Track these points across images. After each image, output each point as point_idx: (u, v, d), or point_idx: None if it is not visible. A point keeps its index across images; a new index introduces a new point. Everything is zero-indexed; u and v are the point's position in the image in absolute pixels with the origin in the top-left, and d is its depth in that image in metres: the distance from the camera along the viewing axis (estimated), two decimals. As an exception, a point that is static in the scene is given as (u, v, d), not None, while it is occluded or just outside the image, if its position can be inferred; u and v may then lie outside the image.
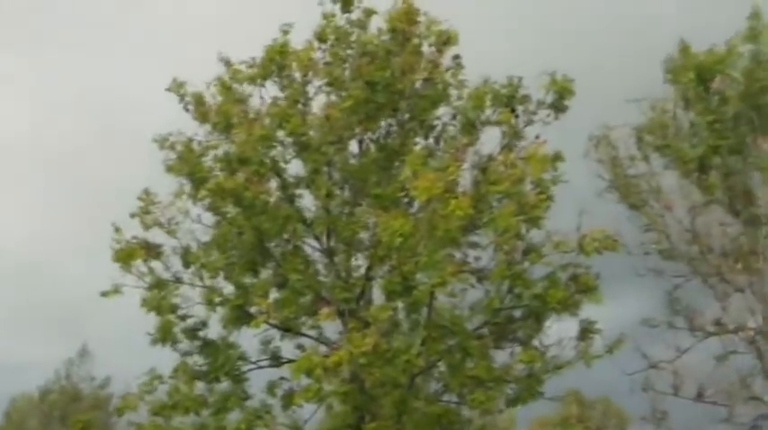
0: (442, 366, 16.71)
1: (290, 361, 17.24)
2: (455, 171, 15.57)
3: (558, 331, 16.63)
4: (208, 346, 17.40)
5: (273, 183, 17.40)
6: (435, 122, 17.89)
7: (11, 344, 41.00)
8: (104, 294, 17.25)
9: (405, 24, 17.39)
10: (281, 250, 17.33)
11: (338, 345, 15.93)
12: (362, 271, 17.26)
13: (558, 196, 16.29)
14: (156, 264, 17.55)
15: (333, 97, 17.47)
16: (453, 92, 17.77)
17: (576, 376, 17.04)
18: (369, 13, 17.88)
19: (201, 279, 17.47)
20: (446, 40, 17.51)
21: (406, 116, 17.70)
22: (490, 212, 15.99)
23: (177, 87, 17.97)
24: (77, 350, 41.63)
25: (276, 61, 17.55)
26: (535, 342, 16.72)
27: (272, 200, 17.19)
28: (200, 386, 17.19)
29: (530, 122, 17.23)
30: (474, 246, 17.04)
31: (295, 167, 17.55)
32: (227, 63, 18.01)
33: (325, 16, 17.89)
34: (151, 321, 17.38)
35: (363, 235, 17.21)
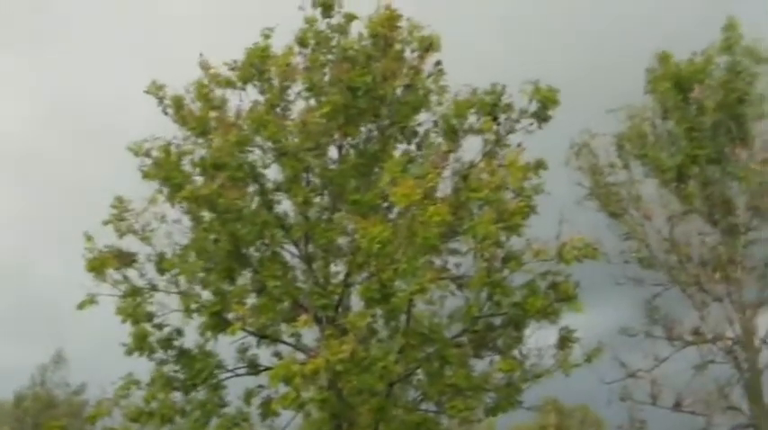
0: (420, 374, 16.62)
1: (267, 368, 17.05)
2: (434, 178, 15.51)
3: (538, 340, 16.61)
4: (184, 355, 17.19)
5: (252, 188, 17.24)
6: (416, 128, 17.80)
7: (-15, 349, 40.55)
8: (80, 306, 17.02)
9: (386, 30, 17.29)
10: (259, 256, 17.15)
11: (315, 353, 15.79)
12: (341, 277, 17.10)
13: (538, 204, 16.27)
14: (130, 272, 17.32)
15: (312, 102, 17.32)
16: (434, 98, 17.67)
17: (554, 385, 17.03)
18: (350, 18, 17.76)
19: (177, 286, 17.24)
20: (428, 45, 17.43)
21: (387, 122, 17.59)
22: (470, 219, 15.92)
23: (156, 90, 17.77)
24: (52, 356, 41.23)
25: (256, 65, 17.40)
26: (515, 351, 16.63)
27: (249, 205, 17.03)
28: (176, 394, 16.97)
29: (512, 130, 17.13)
30: (454, 252, 16.94)
31: (274, 172, 17.43)
32: (206, 67, 17.82)
33: (306, 21, 17.75)
34: (127, 328, 17.18)
35: (342, 241, 17.08)
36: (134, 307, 16.96)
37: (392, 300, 15.53)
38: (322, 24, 17.80)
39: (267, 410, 16.98)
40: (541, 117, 17.04)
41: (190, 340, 17.36)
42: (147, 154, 17.55)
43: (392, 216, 16.56)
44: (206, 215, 16.90)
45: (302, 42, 17.66)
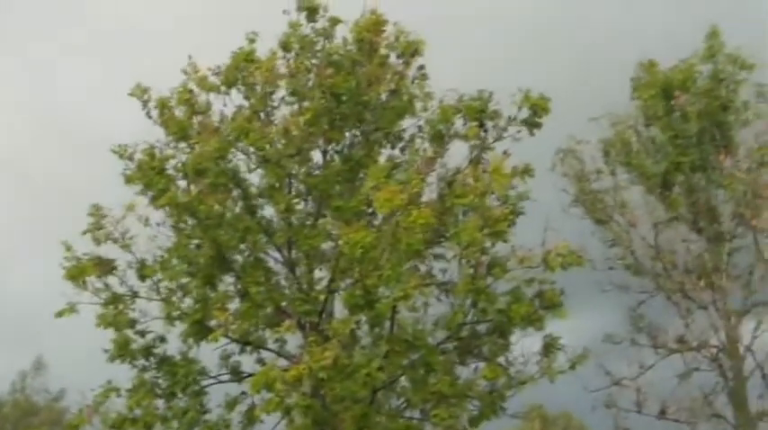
0: (404, 381, 16.51)
1: (250, 375, 16.90)
2: (419, 183, 15.43)
3: (523, 347, 16.55)
4: (166, 362, 17.04)
5: (235, 193, 17.10)
6: (401, 134, 17.71)
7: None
8: (59, 314, 16.85)
9: (372, 35, 17.22)
10: (242, 262, 17.03)
11: (298, 359, 15.68)
12: (325, 283, 16.99)
13: (524, 210, 16.20)
14: (111, 280, 17.16)
15: (296, 107, 17.21)
16: (419, 104, 17.60)
17: (539, 393, 16.98)
18: (335, 22, 17.66)
19: (159, 292, 17.09)
20: (413, 51, 17.36)
21: (372, 127, 17.51)
22: (455, 225, 15.85)
23: (141, 93, 17.61)
24: (32, 362, 40.91)
25: (241, 69, 17.27)
26: (501, 358, 16.56)
27: (231, 211, 16.91)
28: (158, 402, 16.80)
29: (499, 138, 17.06)
30: (439, 258, 16.85)
31: (258, 177, 17.31)
32: (192, 70, 17.68)
33: (291, 25, 17.64)
34: (109, 334, 17.01)
35: (326, 247, 16.96)
36: (115, 315, 16.77)
37: (376, 307, 15.44)
38: (307, 29, 17.71)
39: (250, 417, 16.84)
40: (531, 124, 16.98)
41: (172, 347, 17.25)
42: (131, 157, 17.41)
43: (377, 222, 16.46)
44: (188, 221, 16.74)
45: (286, 47, 17.55)
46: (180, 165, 17.06)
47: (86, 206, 17.34)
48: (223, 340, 16.72)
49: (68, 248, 17.04)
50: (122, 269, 17.23)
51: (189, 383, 16.69)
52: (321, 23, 17.73)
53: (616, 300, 23.22)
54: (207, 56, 17.70)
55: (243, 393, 17.05)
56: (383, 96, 17.39)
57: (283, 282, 17.12)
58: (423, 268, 16.63)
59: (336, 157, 17.52)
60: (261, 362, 17.16)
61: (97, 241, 17.09)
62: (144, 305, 17.24)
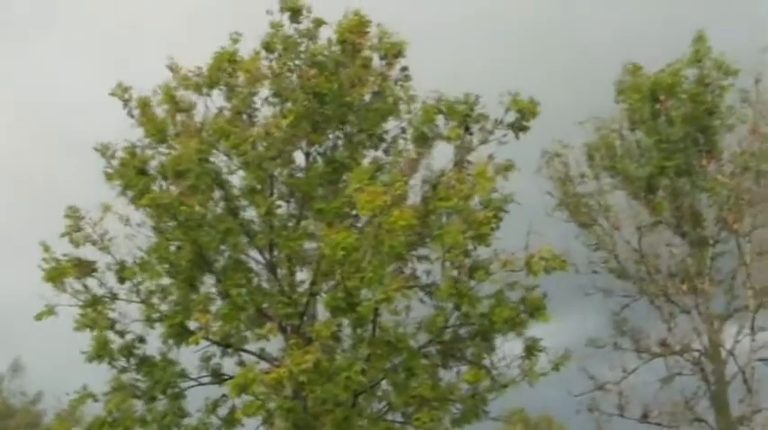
0: (386, 384, 16.43)
1: (231, 378, 16.76)
2: (402, 185, 15.37)
3: (506, 350, 16.53)
4: (146, 363, 16.89)
5: (217, 194, 16.97)
6: (385, 136, 17.63)
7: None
8: (38, 317, 16.67)
9: (355, 36, 17.13)
10: (223, 263, 16.90)
11: (280, 362, 15.59)
12: (307, 286, 16.88)
13: (509, 212, 16.15)
14: (90, 281, 16.98)
15: (278, 109, 17.10)
16: (403, 107, 17.52)
17: (522, 396, 16.96)
18: (318, 23, 17.56)
19: (139, 294, 16.95)
20: (397, 52, 17.29)
21: (355, 129, 17.42)
22: (439, 228, 15.79)
23: (122, 92, 17.46)
24: (9, 364, 40.54)
25: (224, 70, 17.14)
26: (485, 361, 16.51)
27: (212, 212, 16.79)
28: (137, 404, 16.65)
29: (485, 141, 17.00)
30: (423, 259, 16.77)
31: (239, 178, 17.15)
32: (175, 69, 17.54)
33: (274, 26, 17.52)
34: (87, 337, 16.86)
35: (308, 249, 16.85)
36: (94, 316, 16.61)
37: (358, 309, 15.35)
38: (290, 29, 17.59)
39: (231, 420, 16.72)
40: (518, 127, 16.94)
41: (152, 347, 17.10)
42: (113, 155, 17.26)
43: (360, 224, 16.38)
44: (168, 222, 16.60)
45: (269, 47, 17.43)
46: (159, 165, 16.90)
47: (66, 206, 17.16)
48: (204, 342, 16.59)
49: (47, 250, 16.87)
50: (102, 271, 17.07)
51: (168, 385, 16.53)
52: (304, 24, 17.62)
53: (599, 303, 23.28)
54: (190, 56, 17.60)
55: (223, 396, 16.90)
56: (366, 98, 17.30)
57: (265, 285, 17.00)
58: (406, 270, 16.53)
59: (319, 159, 17.42)
60: (242, 364, 17.02)
61: (75, 244, 16.93)
62: (124, 307, 17.11)
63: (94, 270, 17.00)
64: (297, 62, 17.35)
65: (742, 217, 22.12)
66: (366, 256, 15.06)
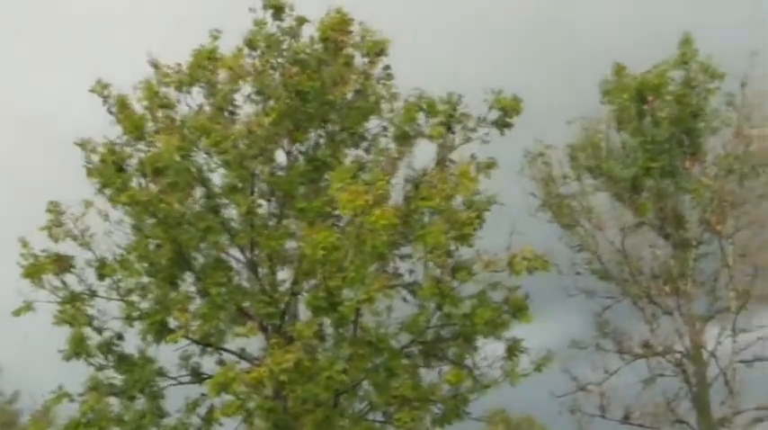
0: (367, 384, 16.35)
1: (210, 377, 16.65)
2: (384, 185, 15.30)
3: (488, 350, 16.50)
4: (124, 361, 16.75)
5: (198, 192, 16.85)
6: (366, 134, 17.55)
7: None
8: (16, 313, 16.51)
9: (337, 34, 17.05)
10: (203, 262, 16.78)
11: (260, 362, 15.50)
12: (288, 285, 16.79)
13: (491, 213, 16.13)
14: (69, 278, 16.83)
15: (261, 106, 16.99)
16: (386, 105, 17.44)
17: (505, 397, 16.93)
18: (301, 21, 17.44)
19: (118, 292, 16.81)
20: (379, 50, 17.21)
21: (337, 127, 17.34)
22: (421, 228, 15.73)
23: (101, 89, 17.31)
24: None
25: (204, 67, 17.01)
26: (468, 361, 16.48)
27: (193, 210, 16.66)
28: (114, 403, 16.51)
29: (468, 140, 16.95)
30: (405, 258, 16.70)
31: (220, 176, 17.04)
32: (156, 66, 17.40)
33: (256, 23, 17.40)
34: (66, 334, 16.68)
35: (289, 248, 16.76)
36: (72, 314, 16.47)
37: (339, 309, 15.27)
38: (273, 27, 17.47)
39: (210, 420, 16.61)
40: (502, 125, 16.89)
41: (131, 345, 16.95)
42: (93, 151, 17.11)
43: (342, 224, 16.30)
44: (147, 220, 16.46)
45: (252, 45, 17.32)
46: (139, 163, 16.76)
47: (44, 203, 17.02)
48: (184, 341, 16.49)
49: (25, 245, 16.72)
50: (81, 267, 16.92)
51: (147, 383, 16.40)
52: (287, 22, 17.51)
53: (582, 305, 23.26)
54: (173, 52, 17.46)
55: (203, 395, 16.78)
56: (349, 96, 17.23)
57: (245, 284, 16.90)
58: (389, 269, 16.46)
59: (301, 158, 17.33)
60: (222, 363, 16.92)
61: (55, 238, 16.77)
62: (103, 304, 16.97)
63: (73, 266, 16.85)
64: (279, 60, 17.24)
65: (725, 219, 22.18)
66: (348, 256, 15.00)
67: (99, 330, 16.82)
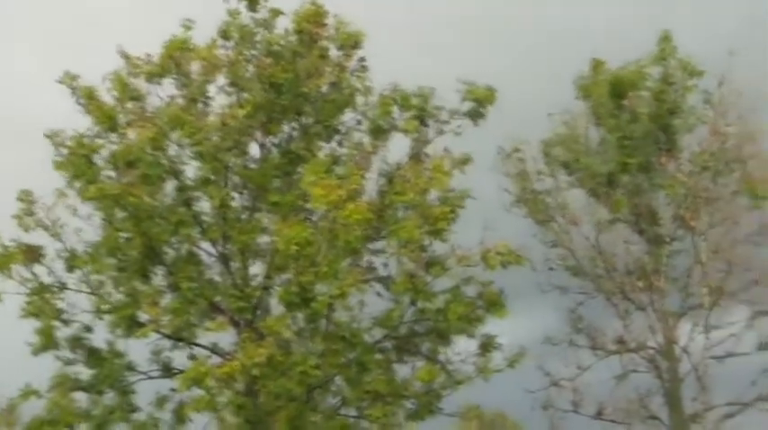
0: (340, 379, 16.24)
1: (181, 372, 16.45)
2: (358, 179, 15.18)
3: (464, 346, 16.45)
4: (93, 355, 16.54)
5: (169, 185, 16.63)
6: (341, 127, 17.40)
7: None
8: None
9: (312, 26, 16.87)
10: (174, 256, 16.57)
11: (232, 356, 15.34)
12: (260, 279, 16.63)
13: (465, 208, 16.03)
14: (38, 269, 16.60)
15: (234, 98, 16.78)
16: (360, 98, 17.30)
17: (479, 393, 16.87)
18: (275, 12, 17.26)
19: (88, 284, 16.57)
20: (354, 43, 17.05)
21: (311, 120, 17.18)
22: (395, 223, 15.64)
23: (69, 80, 17.01)
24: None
25: (175, 58, 16.77)
26: (441, 356, 16.41)
27: (164, 203, 16.45)
28: (82, 398, 16.28)
29: (441, 132, 16.85)
30: (379, 253, 16.60)
31: (193, 168, 16.82)
32: (126, 57, 17.12)
33: (230, 13, 17.19)
34: (32, 326, 16.42)
35: (261, 242, 16.59)
36: (40, 305, 16.22)
37: (312, 304, 15.14)
38: (247, 18, 17.27)
39: (180, 416, 16.44)
40: (476, 116, 16.80)
41: (99, 338, 16.72)
42: (62, 143, 16.83)
43: (315, 218, 16.16)
44: (117, 213, 16.22)
45: (225, 36, 17.11)
46: (110, 155, 16.50)
47: (11, 193, 16.73)
48: (154, 335, 16.30)
49: None
50: (51, 258, 16.69)
51: (116, 378, 16.19)
52: (262, 14, 17.31)
53: (556, 301, 23.27)
54: (145, 43, 17.18)
55: (173, 390, 16.59)
56: (323, 89, 17.07)
57: (217, 278, 16.73)
58: (363, 263, 16.35)
59: (274, 150, 17.16)
60: (193, 358, 16.71)
61: (26, 228, 16.51)
62: (73, 297, 16.76)
63: (43, 256, 16.60)
64: (253, 52, 17.07)
65: (699, 215, 22.25)
66: (321, 251, 14.88)
67: (66, 322, 16.58)
